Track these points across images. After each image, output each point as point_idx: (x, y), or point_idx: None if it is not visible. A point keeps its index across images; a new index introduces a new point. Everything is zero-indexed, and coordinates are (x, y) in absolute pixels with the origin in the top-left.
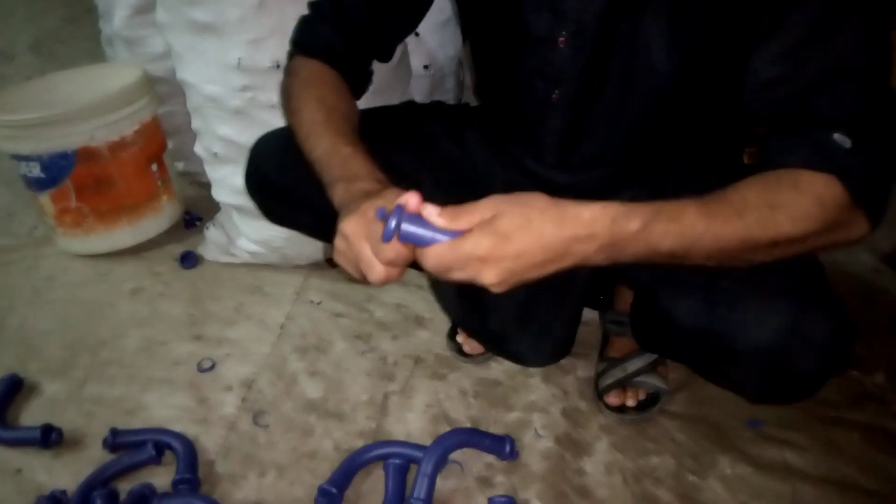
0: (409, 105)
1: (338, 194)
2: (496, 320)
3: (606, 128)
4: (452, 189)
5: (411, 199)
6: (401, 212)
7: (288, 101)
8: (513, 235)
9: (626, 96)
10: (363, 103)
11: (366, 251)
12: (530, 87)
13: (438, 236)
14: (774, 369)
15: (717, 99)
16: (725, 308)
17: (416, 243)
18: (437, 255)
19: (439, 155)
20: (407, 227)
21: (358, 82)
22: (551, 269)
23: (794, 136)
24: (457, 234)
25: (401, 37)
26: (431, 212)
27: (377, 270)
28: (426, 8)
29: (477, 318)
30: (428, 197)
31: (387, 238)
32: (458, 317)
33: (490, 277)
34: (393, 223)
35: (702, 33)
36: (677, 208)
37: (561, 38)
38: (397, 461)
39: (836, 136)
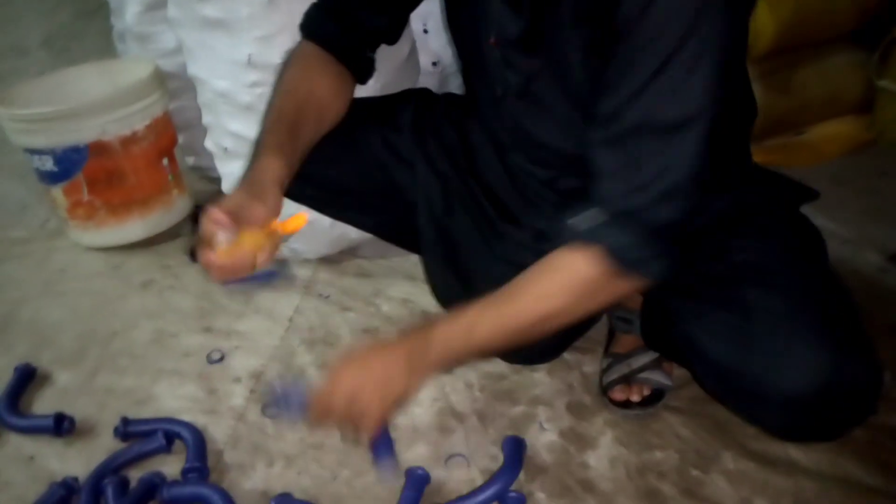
0: (415, 91)
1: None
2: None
3: (550, 130)
4: (447, 175)
5: (217, 214)
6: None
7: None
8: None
9: (558, 104)
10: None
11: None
12: (485, 83)
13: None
14: (806, 415)
15: None
16: (760, 352)
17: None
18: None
19: (438, 140)
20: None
21: (358, 67)
22: (391, 387)
23: (569, 215)
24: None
25: (394, 19)
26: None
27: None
28: None
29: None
30: (421, 181)
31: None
32: (447, 301)
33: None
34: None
35: (606, 57)
36: (459, 313)
37: (491, 39)
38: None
39: (593, 212)
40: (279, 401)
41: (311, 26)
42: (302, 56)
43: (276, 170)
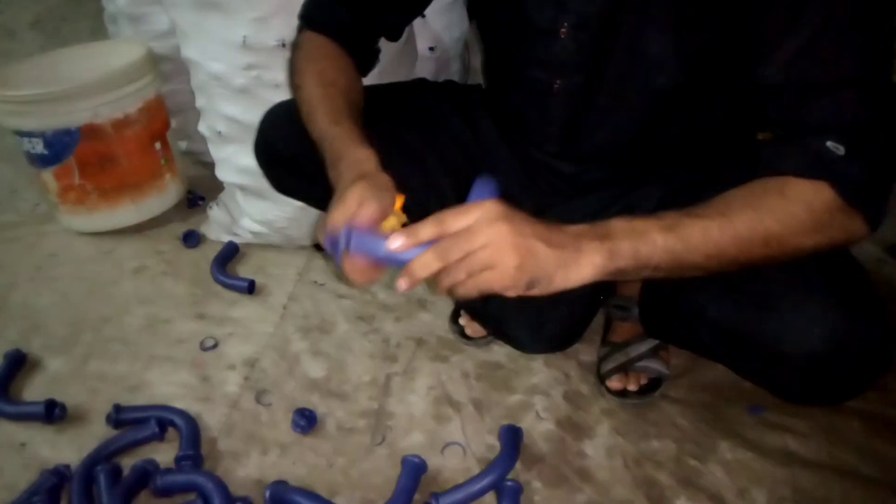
0: (422, 82)
1: (331, 177)
2: (496, 303)
3: (607, 121)
4: (458, 169)
5: (362, 216)
6: (349, 234)
7: (292, 76)
8: (518, 221)
9: (627, 90)
10: (368, 83)
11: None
12: (533, 75)
13: (402, 255)
14: (822, 373)
15: (720, 100)
16: (772, 312)
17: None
18: (422, 264)
19: (448, 134)
20: (356, 249)
21: (364, 59)
22: (562, 274)
23: (787, 143)
24: (413, 255)
25: (409, 16)
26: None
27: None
28: None
29: (478, 300)
30: (432, 176)
31: (338, 261)
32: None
33: (508, 260)
34: (341, 247)
35: (703, 34)
36: (666, 217)
37: (563, 30)
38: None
39: (829, 144)
40: (346, 241)
41: (319, 17)
42: (321, 47)
43: (374, 157)
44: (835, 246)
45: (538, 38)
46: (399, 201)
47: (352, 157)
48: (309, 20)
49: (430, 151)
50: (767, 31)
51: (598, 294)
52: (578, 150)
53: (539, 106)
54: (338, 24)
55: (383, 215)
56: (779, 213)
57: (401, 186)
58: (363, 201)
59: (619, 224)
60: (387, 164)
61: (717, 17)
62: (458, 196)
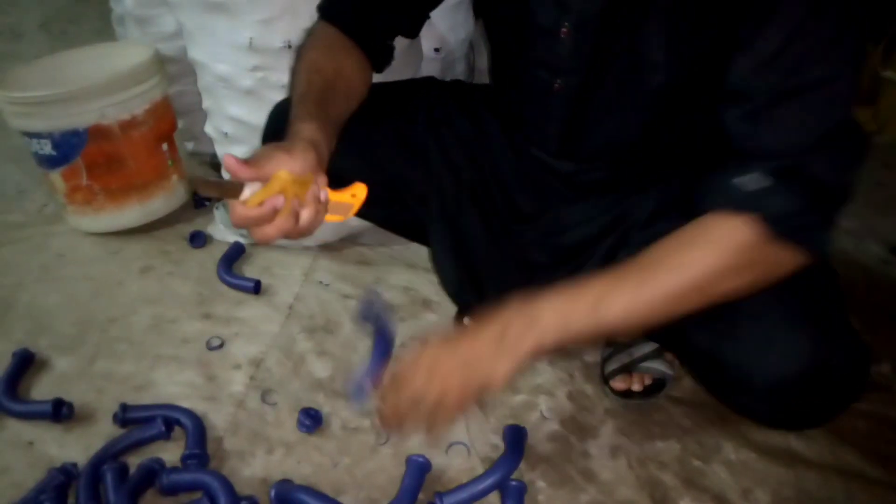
0: (430, 80)
1: None
2: (492, 301)
3: (607, 121)
4: (459, 166)
5: (243, 172)
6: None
7: (293, 62)
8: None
9: (625, 91)
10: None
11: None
12: (534, 75)
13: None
14: (791, 402)
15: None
16: (741, 338)
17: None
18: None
19: (452, 131)
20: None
21: (377, 55)
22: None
23: (717, 177)
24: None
25: (424, 11)
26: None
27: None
28: None
29: (474, 298)
30: (434, 172)
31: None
32: (456, 293)
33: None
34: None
35: (698, 38)
36: (595, 287)
37: (563, 29)
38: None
39: (756, 175)
40: (352, 388)
41: (334, 10)
42: (325, 37)
43: (307, 130)
44: (772, 281)
45: (539, 38)
46: (322, 182)
47: (293, 128)
48: (324, 11)
49: (433, 146)
50: (741, 35)
51: None
52: (578, 149)
53: (539, 105)
54: (350, 18)
55: (252, 170)
56: (700, 262)
57: (400, 180)
58: (256, 161)
59: (546, 306)
60: (388, 157)
61: (715, 20)
62: (457, 192)
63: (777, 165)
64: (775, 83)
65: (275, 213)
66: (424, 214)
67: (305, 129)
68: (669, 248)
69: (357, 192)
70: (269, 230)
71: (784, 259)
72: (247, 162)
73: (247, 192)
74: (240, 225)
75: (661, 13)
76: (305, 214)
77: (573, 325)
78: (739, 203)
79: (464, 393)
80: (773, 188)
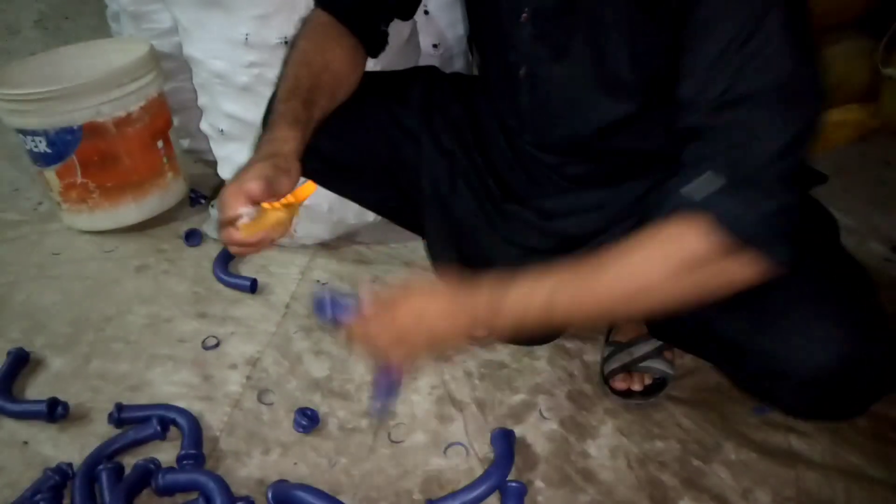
0: (430, 69)
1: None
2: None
3: (572, 111)
4: (453, 152)
5: (250, 189)
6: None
7: (286, 51)
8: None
9: (587, 82)
10: None
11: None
12: (504, 61)
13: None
14: (828, 393)
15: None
16: (778, 329)
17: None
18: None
19: (446, 118)
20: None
21: (372, 41)
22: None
23: (672, 181)
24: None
25: None
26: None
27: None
28: None
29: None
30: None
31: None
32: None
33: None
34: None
35: (657, 39)
36: (539, 279)
37: (524, 15)
38: None
39: (706, 176)
40: (325, 306)
41: None
42: (317, 26)
43: (294, 140)
44: (728, 288)
45: (506, 22)
46: (310, 189)
47: (274, 134)
48: None
49: (426, 132)
50: (687, 36)
51: None
52: (551, 139)
53: (510, 93)
54: (343, 4)
55: (269, 196)
56: (645, 266)
57: (392, 162)
58: (257, 178)
59: (511, 295)
60: (381, 139)
61: (670, 22)
62: (450, 174)
63: (727, 168)
64: (720, 89)
65: (261, 243)
66: (417, 196)
67: (292, 137)
68: (621, 249)
69: (308, 192)
70: (247, 249)
71: (738, 268)
72: (254, 187)
73: (245, 219)
74: (227, 244)
75: (619, 11)
76: (280, 232)
77: (530, 316)
78: (690, 208)
79: (427, 348)
80: (723, 189)
